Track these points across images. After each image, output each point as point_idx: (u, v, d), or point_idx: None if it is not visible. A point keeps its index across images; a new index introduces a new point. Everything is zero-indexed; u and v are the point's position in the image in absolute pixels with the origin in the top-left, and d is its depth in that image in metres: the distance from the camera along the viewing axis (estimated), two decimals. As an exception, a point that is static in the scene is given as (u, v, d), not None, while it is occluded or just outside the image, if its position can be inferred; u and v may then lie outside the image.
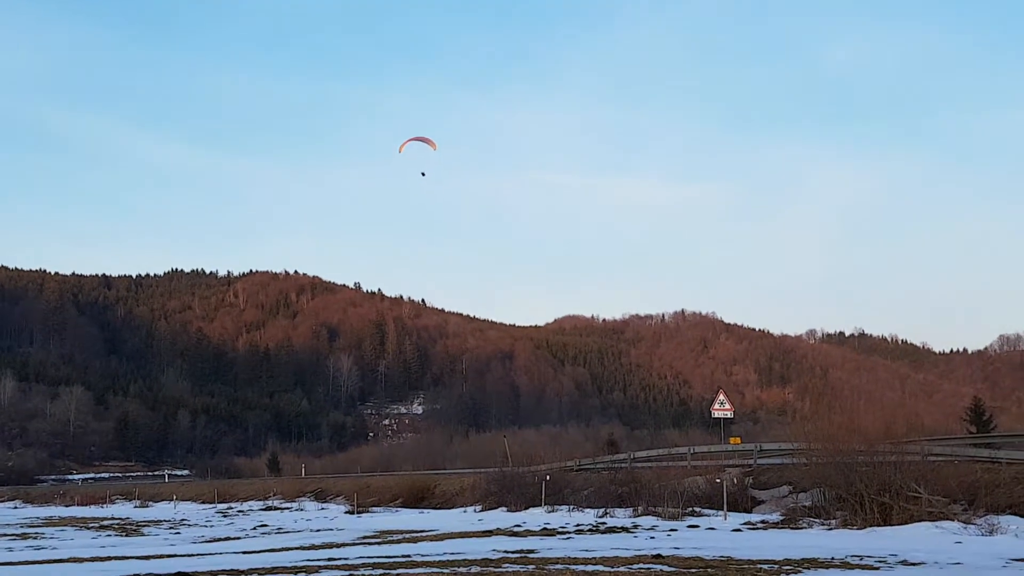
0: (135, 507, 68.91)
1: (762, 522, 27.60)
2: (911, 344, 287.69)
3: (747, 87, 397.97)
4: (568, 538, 24.60)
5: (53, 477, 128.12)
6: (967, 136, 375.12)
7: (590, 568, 16.18)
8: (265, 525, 41.14)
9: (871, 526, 24.07)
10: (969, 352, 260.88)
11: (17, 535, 38.70)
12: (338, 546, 24.75)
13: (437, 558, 19.10)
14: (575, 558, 18.18)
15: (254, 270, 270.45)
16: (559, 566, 16.66)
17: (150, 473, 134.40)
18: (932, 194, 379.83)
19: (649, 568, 16.06)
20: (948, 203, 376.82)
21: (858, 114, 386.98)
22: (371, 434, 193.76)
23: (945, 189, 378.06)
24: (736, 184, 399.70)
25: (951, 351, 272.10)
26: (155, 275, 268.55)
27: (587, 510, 33.83)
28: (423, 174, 42.59)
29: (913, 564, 16.07)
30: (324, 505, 54.47)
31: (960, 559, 16.53)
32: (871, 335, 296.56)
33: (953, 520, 22.90)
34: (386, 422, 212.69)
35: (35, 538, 36.41)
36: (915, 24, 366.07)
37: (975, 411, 49.55)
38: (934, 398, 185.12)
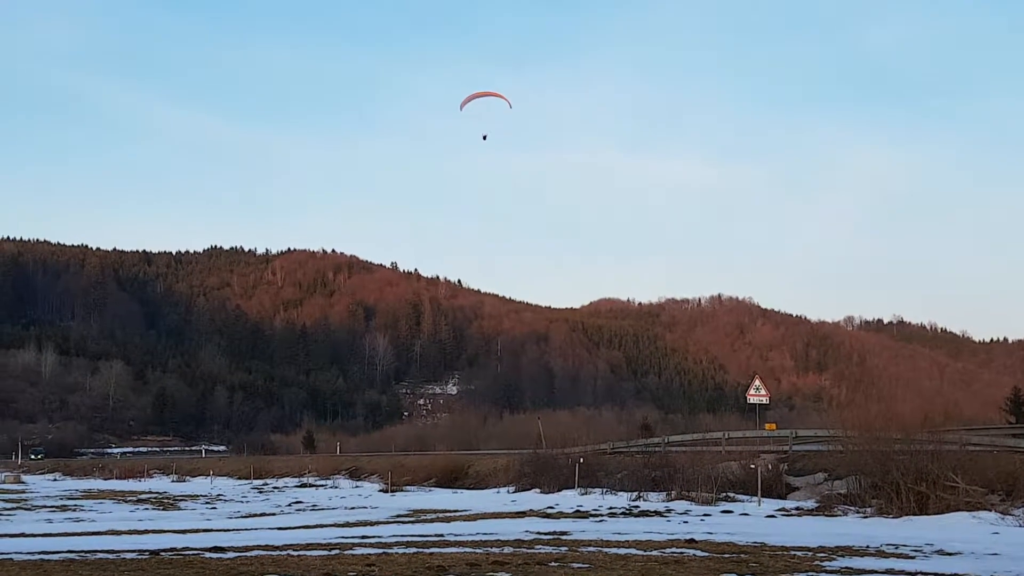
0: (172, 481, 69.65)
1: (796, 509, 27.48)
2: (950, 332, 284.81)
3: (786, 66, 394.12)
4: (601, 521, 24.62)
5: (92, 450, 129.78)
6: (1009, 119, 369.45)
7: (623, 551, 16.19)
8: (300, 502, 41.46)
9: (907, 515, 23.90)
10: (1010, 341, 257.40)
11: (57, 507, 39.31)
12: (372, 524, 24.91)
13: (470, 538, 19.18)
14: (608, 541, 18.19)
15: (292, 248, 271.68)
16: (592, 548, 16.69)
17: (187, 448, 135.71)
18: (974, 178, 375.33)
19: (682, 552, 16.04)
20: (990, 188, 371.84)
21: (900, 95, 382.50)
22: (406, 413, 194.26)
23: (987, 173, 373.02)
24: (774, 165, 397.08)
25: (991, 340, 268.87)
26: (195, 252, 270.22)
27: (620, 493, 33.81)
28: (484, 137, 39.57)
29: (949, 554, 15.95)
30: (358, 483, 54.75)
31: (997, 549, 16.38)
32: (910, 323, 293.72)
33: (991, 510, 22.69)
34: (421, 402, 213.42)
35: (74, 510, 36.95)
36: (959, 4, 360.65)
37: (1015, 401, 48.89)
38: (973, 387, 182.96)
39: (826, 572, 13.54)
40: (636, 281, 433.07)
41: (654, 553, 15.93)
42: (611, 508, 29.02)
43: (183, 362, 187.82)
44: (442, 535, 20.01)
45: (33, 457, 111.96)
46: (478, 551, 16.29)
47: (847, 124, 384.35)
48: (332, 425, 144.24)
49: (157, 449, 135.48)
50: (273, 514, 33.25)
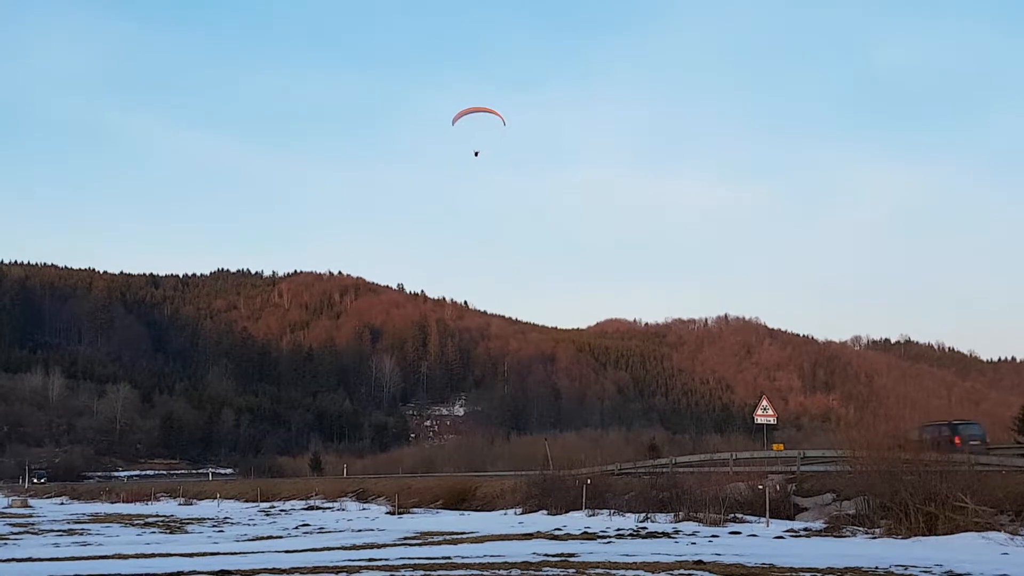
0: (179, 505, 69.63)
1: (805, 530, 27.37)
2: (958, 352, 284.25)
3: (794, 88, 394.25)
4: (609, 542, 24.55)
5: (99, 474, 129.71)
6: (1014, 137, 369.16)
7: (631, 573, 16.15)
8: (307, 524, 41.40)
9: (916, 535, 23.79)
10: (1018, 360, 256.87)
11: (64, 531, 39.30)
12: (379, 547, 24.85)
13: (477, 560, 19.13)
14: (615, 563, 18.14)
15: (299, 270, 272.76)
16: (599, 570, 16.64)
17: (194, 471, 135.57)
18: (981, 198, 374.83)
19: (690, 574, 16.00)
20: (997, 207, 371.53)
21: (906, 115, 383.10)
22: (413, 435, 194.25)
23: (994, 193, 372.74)
24: (781, 185, 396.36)
25: (999, 359, 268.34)
26: (201, 275, 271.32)
27: (628, 515, 33.72)
28: (476, 154, 39.09)
29: (959, 575, 15.89)
30: (365, 505, 54.68)
31: (1006, 570, 16.31)
32: (917, 342, 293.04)
33: (1000, 531, 22.57)
34: (428, 423, 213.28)
35: (81, 534, 36.93)
36: (964, 23, 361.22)
37: (1023, 421, 48.73)
38: (981, 407, 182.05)
39: (835, 593, 13.49)
40: (643, 301, 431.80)
41: (662, 575, 15.89)
42: (618, 529, 28.94)
43: (190, 385, 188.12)
44: (449, 557, 19.96)
45: (35, 481, 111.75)
46: (485, 573, 16.26)
47: (854, 144, 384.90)
48: (339, 447, 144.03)
49: (164, 472, 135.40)
50: (280, 537, 33.19)
